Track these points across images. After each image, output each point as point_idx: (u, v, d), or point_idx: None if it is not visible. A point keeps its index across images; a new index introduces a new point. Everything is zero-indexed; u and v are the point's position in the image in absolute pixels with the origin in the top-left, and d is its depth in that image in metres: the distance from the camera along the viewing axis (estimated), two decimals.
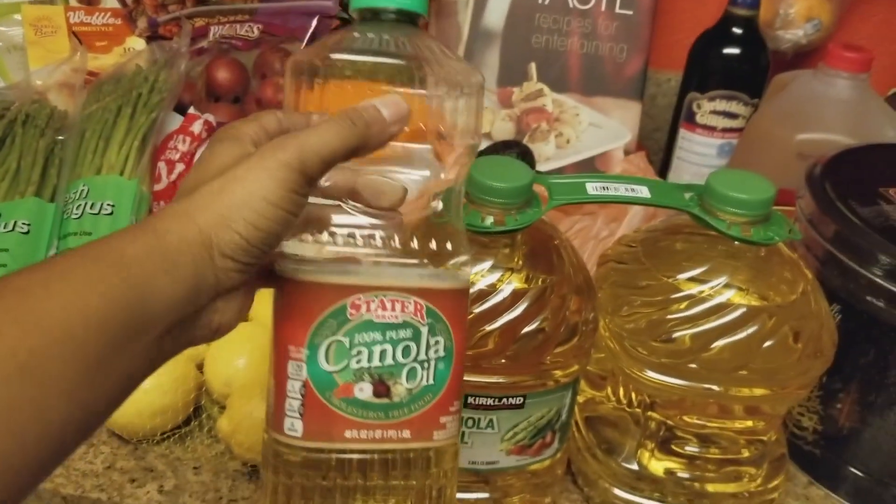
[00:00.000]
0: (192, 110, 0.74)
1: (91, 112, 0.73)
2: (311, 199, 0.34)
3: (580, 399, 0.56)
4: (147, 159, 0.69)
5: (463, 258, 0.38)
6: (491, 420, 0.48)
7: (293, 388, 0.35)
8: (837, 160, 0.59)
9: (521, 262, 0.47)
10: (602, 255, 0.53)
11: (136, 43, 0.84)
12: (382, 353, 0.36)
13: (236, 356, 0.57)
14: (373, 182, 0.37)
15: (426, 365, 0.37)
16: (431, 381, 0.37)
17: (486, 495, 0.51)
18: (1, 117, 0.72)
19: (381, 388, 0.36)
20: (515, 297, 0.46)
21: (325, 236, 0.36)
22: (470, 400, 0.47)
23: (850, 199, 0.54)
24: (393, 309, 0.36)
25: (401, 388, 0.36)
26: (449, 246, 0.38)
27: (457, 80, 0.37)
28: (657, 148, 0.92)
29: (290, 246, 0.35)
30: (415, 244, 0.37)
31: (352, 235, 0.36)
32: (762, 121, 0.71)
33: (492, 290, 0.46)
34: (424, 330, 0.36)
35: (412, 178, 0.38)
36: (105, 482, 0.52)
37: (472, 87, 0.38)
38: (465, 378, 0.45)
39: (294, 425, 0.35)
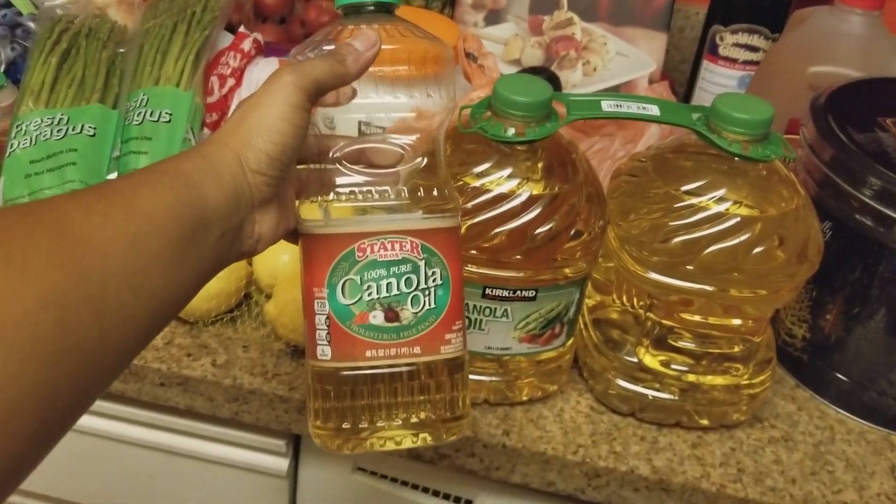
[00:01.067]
0: (242, 29, 0.79)
1: (149, 27, 0.78)
2: (316, 166, 0.44)
3: (589, 303, 0.62)
4: (201, 73, 0.75)
5: (450, 204, 0.45)
6: (506, 310, 0.54)
7: (320, 321, 0.43)
8: (842, 91, 0.63)
9: (538, 172, 0.52)
10: (616, 169, 0.58)
11: None
12: (388, 286, 0.43)
13: (281, 252, 0.63)
14: (377, 148, 0.47)
15: (427, 292, 0.44)
16: (433, 305, 0.44)
17: (499, 378, 0.57)
18: (66, 30, 0.78)
19: (391, 314, 0.43)
20: (531, 201, 0.51)
21: (331, 196, 0.44)
22: (487, 291, 0.53)
23: (848, 127, 0.58)
24: (392, 248, 0.44)
25: (407, 312, 0.44)
26: (435, 192, 0.45)
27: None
28: (683, 79, 0.96)
29: (305, 210, 0.44)
30: (405, 194, 0.45)
31: (352, 192, 0.44)
32: (778, 53, 0.74)
33: (510, 194, 0.51)
34: (422, 264, 0.44)
35: (405, 141, 0.48)
36: (165, 355, 0.60)
37: (446, 62, 0.47)
38: (486, 271, 0.52)
39: (324, 351, 0.43)
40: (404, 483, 0.63)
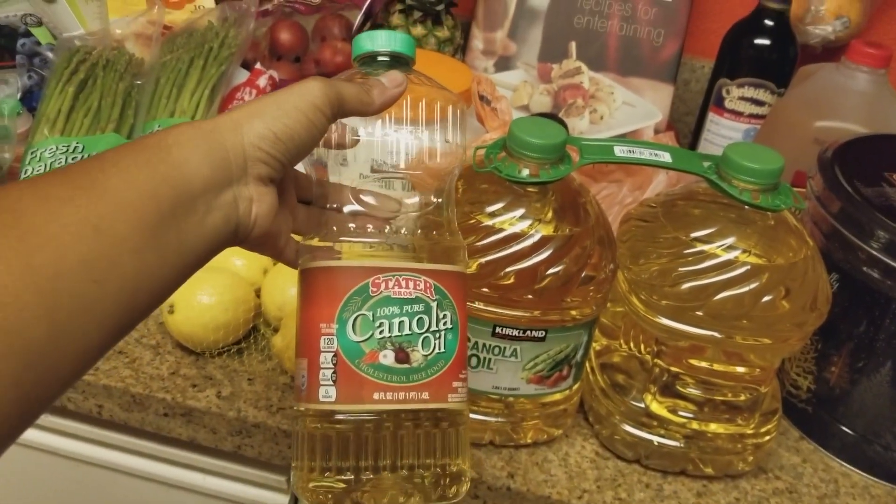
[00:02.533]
0: (258, 66, 0.80)
1: (166, 61, 0.79)
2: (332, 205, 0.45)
3: (596, 347, 0.62)
4: (216, 107, 0.76)
5: (461, 249, 0.46)
6: (515, 350, 0.54)
7: (326, 359, 0.41)
8: (848, 146, 0.64)
9: (550, 213, 0.53)
10: (626, 214, 0.59)
11: (206, 1, 0.91)
12: (401, 324, 0.42)
13: (290, 285, 0.63)
14: (380, 195, 0.47)
15: (438, 335, 0.43)
16: (443, 349, 0.43)
17: (504, 419, 0.57)
18: (83, 60, 0.79)
19: (402, 355, 0.42)
20: (542, 242, 0.52)
21: (348, 229, 0.44)
22: (498, 330, 0.53)
23: (855, 180, 0.59)
24: (407, 286, 0.42)
25: (418, 354, 0.42)
26: (448, 235, 0.46)
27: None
28: (687, 131, 0.97)
29: (313, 243, 0.43)
30: (419, 233, 0.45)
31: (362, 228, 0.44)
32: (785, 107, 0.75)
33: (522, 234, 0.52)
34: (434, 305, 0.43)
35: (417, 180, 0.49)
36: (169, 385, 0.59)
37: (456, 115, 0.47)
38: (496, 310, 0.52)
39: (329, 392, 0.41)
40: None
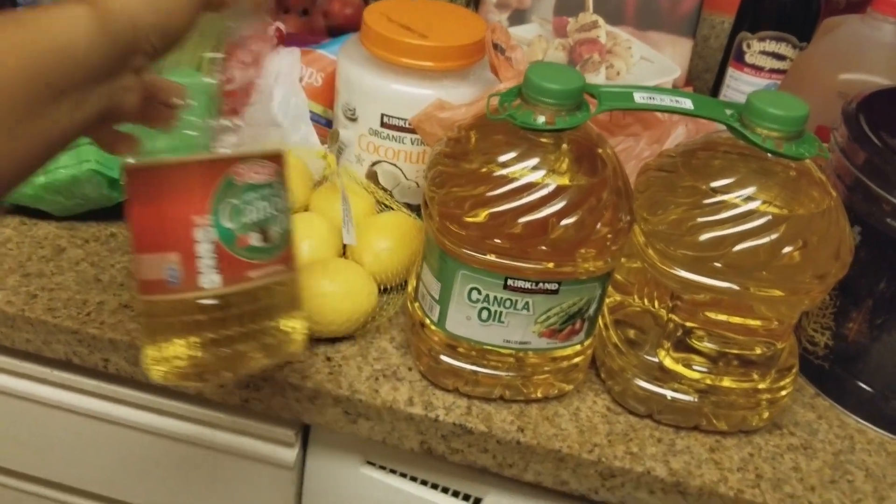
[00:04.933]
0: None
1: None
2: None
3: (610, 302, 0.61)
4: (221, 59, 0.74)
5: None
6: (527, 303, 0.53)
7: (204, 250, 0.44)
8: (874, 97, 0.62)
9: (565, 163, 0.51)
10: (644, 165, 0.57)
11: None
12: (261, 208, 0.45)
13: (300, 240, 0.62)
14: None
15: (284, 213, 0.47)
16: (287, 226, 0.48)
17: (514, 374, 0.56)
18: None
19: (265, 235, 0.46)
20: (556, 192, 0.50)
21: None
22: (509, 282, 0.52)
23: (881, 131, 0.57)
24: (261, 172, 0.46)
25: (275, 232, 0.46)
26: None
27: None
28: (705, 88, 0.95)
29: (167, 139, 0.45)
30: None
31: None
32: (808, 59, 0.73)
33: (536, 184, 0.50)
34: (279, 186, 0.47)
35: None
36: None
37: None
38: (509, 262, 0.51)
39: (213, 279, 0.44)
40: (413, 479, 0.62)
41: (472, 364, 0.56)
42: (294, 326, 0.48)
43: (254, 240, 0.45)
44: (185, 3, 0.39)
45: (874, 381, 0.59)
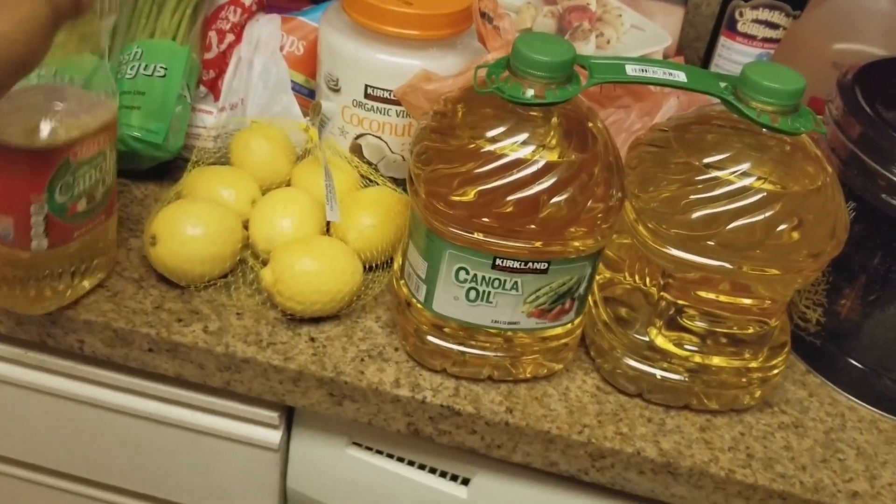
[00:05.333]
0: None
1: None
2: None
3: (599, 280, 0.59)
4: (198, 27, 0.72)
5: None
6: (516, 283, 0.51)
7: (37, 220, 0.50)
8: (870, 68, 0.60)
9: (555, 138, 0.50)
10: (635, 139, 0.56)
11: None
12: (90, 177, 0.52)
13: (280, 217, 0.61)
14: None
15: (109, 172, 0.54)
16: (111, 182, 0.55)
17: (503, 354, 0.55)
18: None
19: (91, 199, 0.53)
20: (547, 169, 0.49)
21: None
22: (498, 262, 0.51)
23: (877, 104, 0.56)
24: (95, 146, 0.52)
25: (100, 193, 0.54)
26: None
27: None
28: (696, 57, 0.93)
29: (17, 136, 0.49)
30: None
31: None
32: (801, 29, 0.71)
33: (525, 160, 0.49)
34: (107, 150, 0.53)
35: None
36: (154, 320, 0.57)
37: None
38: (497, 241, 0.50)
39: (41, 243, 0.51)
40: (400, 459, 0.61)
41: (460, 344, 0.55)
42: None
43: (81, 206, 0.52)
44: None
45: (866, 357, 0.58)
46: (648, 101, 0.64)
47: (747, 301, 0.53)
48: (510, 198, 0.48)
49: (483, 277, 0.51)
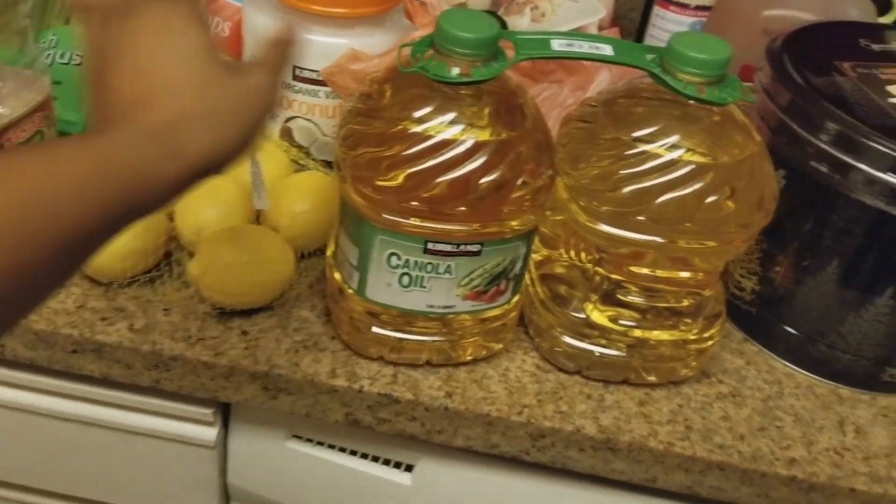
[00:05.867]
0: None
1: None
2: None
3: (536, 258, 0.59)
4: None
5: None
6: (449, 266, 0.50)
7: None
8: (798, 34, 0.60)
9: (483, 117, 0.49)
10: (566, 115, 0.55)
11: None
12: None
13: (206, 206, 0.58)
14: None
15: None
16: None
17: (442, 338, 0.54)
18: None
19: None
20: (476, 148, 0.47)
21: None
22: (430, 246, 0.49)
23: (805, 70, 0.56)
24: (29, 127, 0.52)
25: None
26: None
27: None
28: (632, 28, 0.92)
29: None
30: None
31: None
32: None
33: (454, 141, 0.47)
34: (46, 131, 0.54)
35: None
36: (77, 320, 0.54)
37: None
38: (428, 225, 0.49)
39: None
40: (342, 449, 0.60)
41: (397, 331, 0.54)
42: None
43: None
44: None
45: (801, 324, 0.58)
46: (581, 74, 0.63)
47: (681, 274, 0.53)
48: (439, 179, 0.47)
49: (415, 262, 0.50)
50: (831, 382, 0.59)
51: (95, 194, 0.32)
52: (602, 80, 0.62)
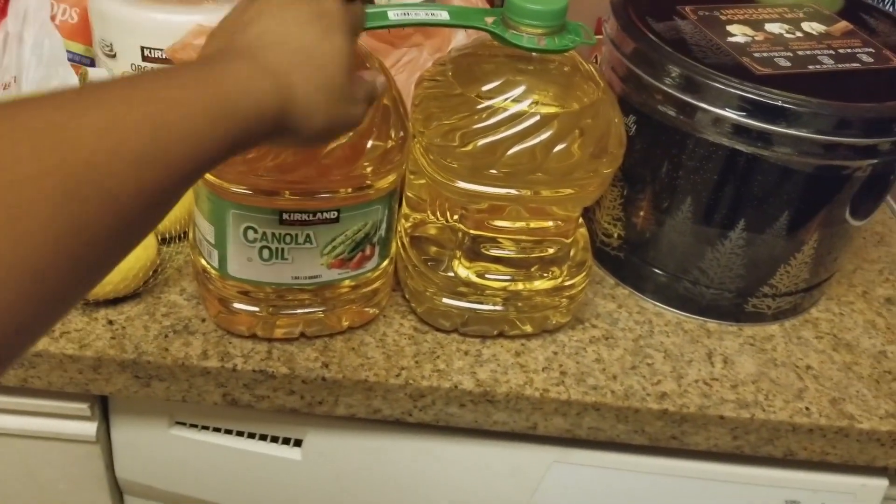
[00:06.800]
0: None
1: None
2: None
3: (406, 223, 0.59)
4: None
5: None
6: (308, 235, 0.50)
7: None
8: None
9: None
10: (419, 76, 0.55)
11: None
12: None
13: None
14: None
15: None
16: None
17: (316, 309, 0.54)
18: None
19: None
20: None
21: None
22: (285, 216, 0.49)
23: (647, 17, 0.57)
24: None
25: None
26: None
27: None
28: None
29: None
30: None
31: None
32: None
33: None
34: None
35: None
36: None
37: None
38: (278, 195, 0.48)
39: None
40: (228, 431, 0.60)
41: (268, 306, 0.53)
42: None
43: None
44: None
45: (666, 264, 0.61)
46: (438, 37, 0.63)
47: (541, 224, 0.54)
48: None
49: (273, 234, 0.50)
50: (699, 318, 0.61)
51: (215, 121, 0.32)
52: (459, 41, 0.62)
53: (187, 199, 0.58)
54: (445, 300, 0.56)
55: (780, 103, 0.51)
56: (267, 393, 0.54)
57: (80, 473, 0.61)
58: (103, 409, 0.59)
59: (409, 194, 0.58)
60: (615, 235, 0.62)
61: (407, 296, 0.59)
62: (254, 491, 0.62)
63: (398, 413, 0.55)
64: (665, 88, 0.54)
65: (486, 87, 0.50)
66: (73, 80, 0.66)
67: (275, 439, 0.60)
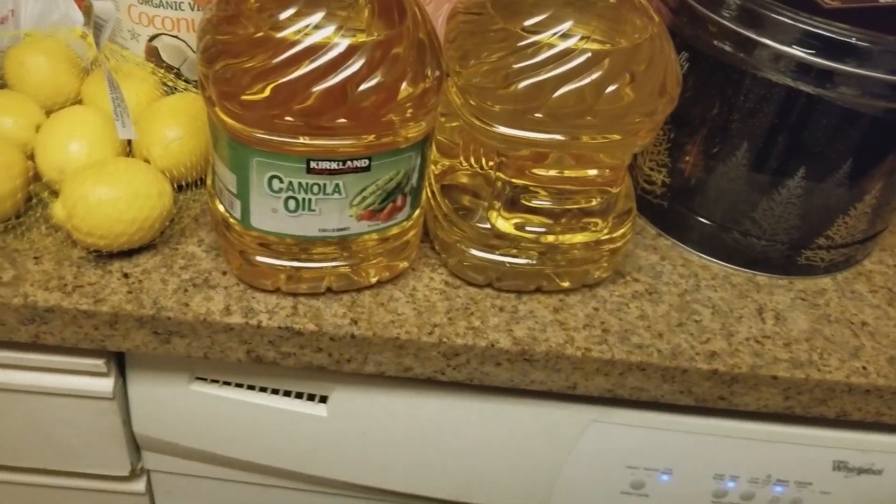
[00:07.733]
0: None
1: None
2: None
3: (436, 169, 0.55)
4: None
5: None
6: (337, 185, 0.46)
7: None
8: None
9: (356, 16, 0.44)
10: (452, 8, 0.50)
11: None
12: None
13: (68, 140, 0.53)
14: None
15: None
16: None
17: (342, 262, 0.51)
18: None
19: None
20: (350, 52, 0.43)
21: None
22: (313, 165, 0.45)
23: None
24: None
25: None
26: None
27: None
28: None
29: None
30: None
31: None
32: None
33: (324, 45, 0.43)
34: None
35: None
36: None
37: None
38: (307, 141, 0.44)
39: None
40: (251, 387, 0.57)
41: (293, 260, 0.50)
42: None
43: None
44: None
45: (714, 213, 0.57)
46: None
47: (587, 172, 0.50)
48: (312, 90, 0.43)
49: (300, 184, 0.46)
50: (748, 270, 0.58)
51: None
52: None
53: (202, 144, 0.55)
54: (477, 252, 0.52)
55: (852, 40, 0.46)
56: (293, 350, 0.51)
57: (96, 429, 0.59)
58: (119, 364, 0.57)
59: (440, 138, 0.54)
60: (658, 182, 0.58)
61: (437, 248, 0.55)
62: (277, 448, 0.60)
63: (430, 372, 0.52)
64: (721, 21, 0.50)
65: (530, 21, 0.45)
66: (76, 14, 0.61)
67: (299, 395, 0.57)
